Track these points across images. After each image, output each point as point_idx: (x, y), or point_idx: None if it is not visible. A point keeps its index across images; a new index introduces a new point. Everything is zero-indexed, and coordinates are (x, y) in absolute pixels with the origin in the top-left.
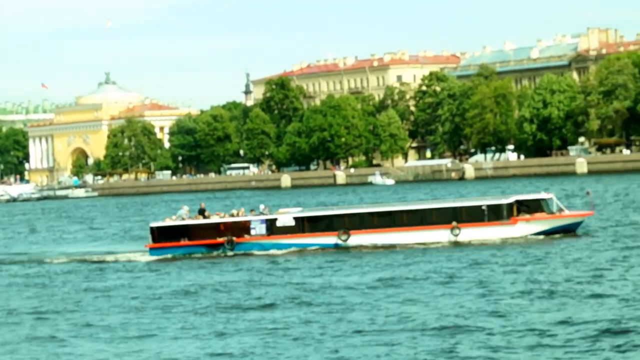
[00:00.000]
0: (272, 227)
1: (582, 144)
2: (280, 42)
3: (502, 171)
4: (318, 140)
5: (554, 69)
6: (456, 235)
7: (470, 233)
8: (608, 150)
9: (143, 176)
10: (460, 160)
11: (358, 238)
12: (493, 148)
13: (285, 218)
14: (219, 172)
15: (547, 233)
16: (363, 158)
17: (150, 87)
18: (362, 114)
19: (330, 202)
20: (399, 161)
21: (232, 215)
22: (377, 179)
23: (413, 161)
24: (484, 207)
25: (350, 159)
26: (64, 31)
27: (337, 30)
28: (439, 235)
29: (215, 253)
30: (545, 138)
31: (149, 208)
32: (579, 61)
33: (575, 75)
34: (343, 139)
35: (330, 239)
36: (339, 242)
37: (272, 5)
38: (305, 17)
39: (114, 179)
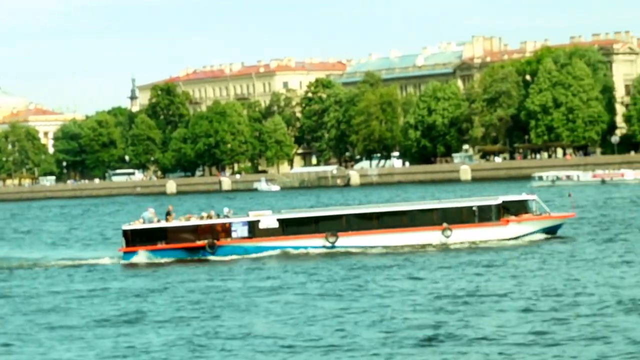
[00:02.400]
0: (254, 229)
1: (466, 151)
2: (167, 47)
3: (387, 178)
4: (204, 146)
5: (439, 77)
6: (447, 237)
7: (462, 234)
8: (492, 158)
9: (27, 182)
10: (346, 167)
11: (347, 240)
12: (378, 155)
13: (269, 220)
14: (103, 177)
15: (535, 234)
16: (249, 164)
17: (35, 92)
18: (248, 120)
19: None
20: (284, 167)
21: (202, 219)
22: (262, 185)
23: (299, 168)
24: (474, 208)
25: (235, 165)
26: None
27: (224, 36)
28: (430, 237)
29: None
30: (430, 145)
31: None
32: (464, 69)
33: (459, 82)
34: (229, 145)
35: (317, 241)
36: (327, 244)
37: (157, 10)
38: (191, 23)
39: None
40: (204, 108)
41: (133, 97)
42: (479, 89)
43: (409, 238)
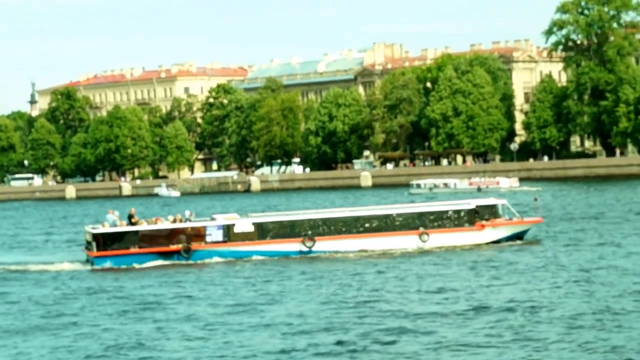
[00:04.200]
0: (229, 233)
1: (366, 157)
2: (67, 51)
3: (288, 184)
4: (104, 151)
5: (340, 83)
6: (424, 242)
7: (438, 239)
8: (392, 164)
9: None
10: (247, 173)
11: (325, 244)
12: (279, 161)
13: (244, 223)
14: (2, 182)
15: (509, 239)
16: (149, 169)
17: None
18: (149, 125)
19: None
20: (185, 173)
21: (173, 222)
22: (163, 190)
23: (199, 173)
24: (450, 212)
25: (136, 170)
26: None
27: (125, 41)
28: (407, 241)
29: (168, 262)
30: (330, 151)
31: None
32: (365, 75)
33: (361, 89)
34: (129, 150)
35: (293, 245)
36: (304, 249)
37: (58, 14)
38: (92, 27)
39: None
40: (104, 113)
41: (33, 102)
42: (380, 96)
43: (386, 243)
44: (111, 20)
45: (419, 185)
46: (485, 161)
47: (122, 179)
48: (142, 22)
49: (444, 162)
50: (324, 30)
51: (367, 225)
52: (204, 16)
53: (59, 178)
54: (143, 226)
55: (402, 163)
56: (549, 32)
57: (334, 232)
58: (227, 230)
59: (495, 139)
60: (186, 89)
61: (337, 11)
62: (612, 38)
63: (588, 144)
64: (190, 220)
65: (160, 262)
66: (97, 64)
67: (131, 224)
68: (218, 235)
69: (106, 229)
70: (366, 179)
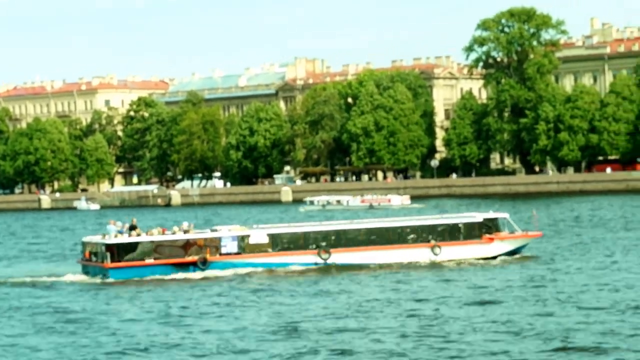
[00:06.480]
0: (244, 245)
1: (287, 172)
2: None
3: (208, 198)
4: (23, 164)
5: (262, 97)
6: (437, 255)
7: (450, 252)
8: (313, 179)
9: None
10: (167, 187)
11: (340, 256)
12: (200, 175)
13: (259, 234)
14: None
15: (513, 253)
16: (69, 182)
17: None
18: (69, 137)
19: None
20: (105, 186)
21: (175, 233)
22: (82, 204)
23: (119, 186)
24: (460, 225)
25: (56, 183)
26: None
27: (45, 52)
28: (419, 254)
29: (183, 274)
30: (251, 166)
31: None
32: (286, 90)
33: (282, 104)
34: (49, 163)
35: (309, 257)
36: (319, 261)
37: None
38: (12, 38)
39: None
40: (24, 125)
41: None
42: (301, 111)
43: (400, 255)
44: (31, 32)
45: (312, 202)
46: (406, 177)
47: (42, 191)
48: (63, 34)
49: (365, 177)
50: (245, 45)
51: (381, 237)
52: (125, 29)
53: None
54: (158, 236)
55: (322, 178)
56: (469, 49)
57: (349, 244)
58: (242, 240)
59: (416, 155)
60: (107, 102)
61: (259, 25)
62: (532, 56)
63: (507, 161)
64: (189, 232)
65: (175, 274)
66: (17, 76)
67: (131, 235)
68: (233, 247)
69: (122, 238)
70: (287, 194)
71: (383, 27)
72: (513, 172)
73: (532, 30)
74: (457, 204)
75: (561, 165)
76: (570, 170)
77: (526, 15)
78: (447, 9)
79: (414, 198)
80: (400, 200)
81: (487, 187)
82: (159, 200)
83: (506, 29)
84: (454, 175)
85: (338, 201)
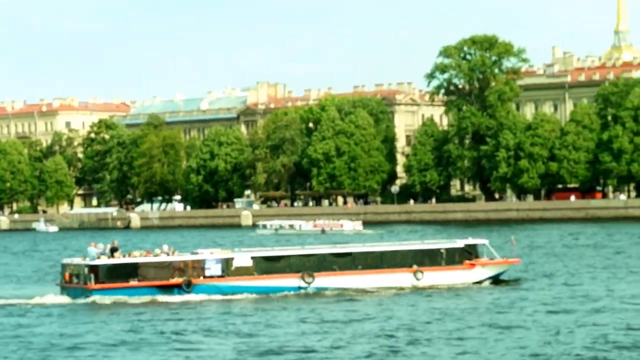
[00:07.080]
0: (227, 268)
1: (248, 196)
2: None
3: (168, 221)
4: None
5: (223, 121)
6: (419, 280)
7: (432, 277)
8: (273, 203)
9: None
10: (127, 209)
11: (324, 280)
12: (160, 198)
13: (242, 257)
14: None
15: (493, 278)
16: (28, 204)
17: None
18: (29, 159)
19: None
20: (64, 208)
21: (157, 255)
22: (41, 225)
23: (79, 208)
24: (442, 250)
25: (15, 204)
26: None
27: (6, 73)
28: (401, 279)
29: (165, 297)
30: (212, 190)
31: None
32: (248, 114)
33: (243, 128)
34: (8, 184)
35: (292, 281)
36: (303, 285)
37: None
38: None
39: None
40: None
41: None
42: (263, 135)
43: (383, 280)
44: None
45: (265, 226)
46: (366, 203)
47: (0, 212)
48: (23, 55)
49: (325, 202)
50: (207, 68)
51: (365, 262)
52: (86, 51)
53: None
54: (142, 258)
55: (282, 203)
56: (431, 76)
57: (333, 269)
58: (226, 263)
59: (377, 180)
60: (67, 124)
61: (221, 50)
62: (493, 83)
63: (468, 188)
64: (167, 255)
65: (159, 297)
66: None
67: (113, 257)
68: (217, 269)
69: (107, 260)
70: (247, 218)
71: (345, 53)
72: (473, 199)
73: (493, 58)
74: (414, 230)
75: (521, 193)
76: (530, 198)
77: (488, 43)
78: (410, 35)
79: (374, 224)
80: (352, 225)
81: (447, 213)
82: (118, 223)
83: (468, 57)
84: (412, 202)
85: (291, 225)
